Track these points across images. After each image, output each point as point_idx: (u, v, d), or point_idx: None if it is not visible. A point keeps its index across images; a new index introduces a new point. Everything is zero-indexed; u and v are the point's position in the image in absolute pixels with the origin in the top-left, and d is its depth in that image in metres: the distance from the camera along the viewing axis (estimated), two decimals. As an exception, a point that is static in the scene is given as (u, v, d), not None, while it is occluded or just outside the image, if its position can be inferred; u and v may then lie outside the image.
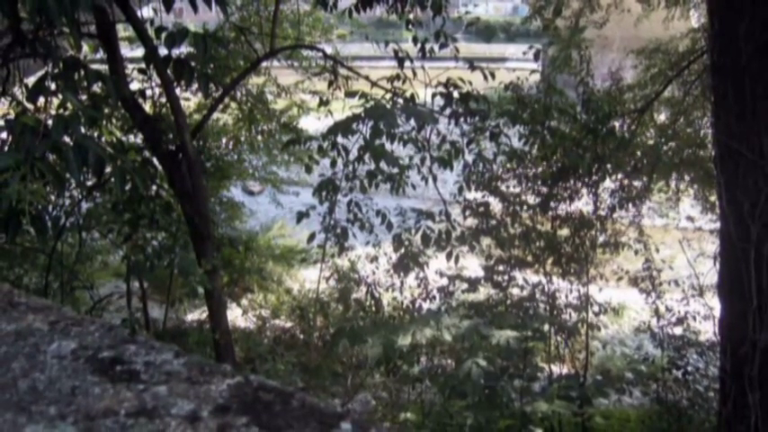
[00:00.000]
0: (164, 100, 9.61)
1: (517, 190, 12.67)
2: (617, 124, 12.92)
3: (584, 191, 12.32)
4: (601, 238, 12.57)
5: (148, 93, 9.88)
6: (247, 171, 19.24)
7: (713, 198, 13.71)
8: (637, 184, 13.22)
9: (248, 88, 15.87)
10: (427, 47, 10.23)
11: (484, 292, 12.59)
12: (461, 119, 9.75)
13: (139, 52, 8.97)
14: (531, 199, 12.54)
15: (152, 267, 8.88)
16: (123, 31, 11.68)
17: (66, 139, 4.58)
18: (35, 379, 1.58)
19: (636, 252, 12.85)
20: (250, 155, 18.37)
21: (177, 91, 9.24)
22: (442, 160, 9.57)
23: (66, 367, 1.64)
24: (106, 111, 9.02)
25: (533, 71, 12.64)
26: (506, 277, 12.41)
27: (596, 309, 12.59)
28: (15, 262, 10.58)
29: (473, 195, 12.38)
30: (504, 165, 12.58)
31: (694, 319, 12.16)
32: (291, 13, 15.70)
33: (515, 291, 12.42)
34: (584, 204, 12.48)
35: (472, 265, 13.07)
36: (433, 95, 9.68)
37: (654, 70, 16.39)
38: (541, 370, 9.16)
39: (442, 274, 12.80)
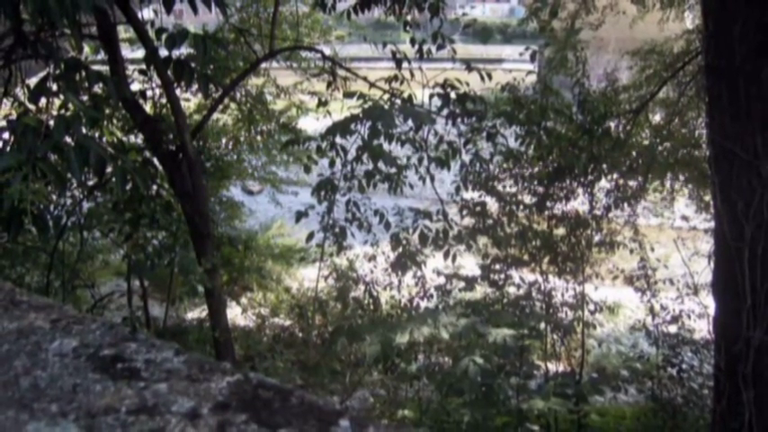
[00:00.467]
0: (164, 101, 9.61)
1: (514, 190, 12.67)
2: (612, 125, 12.93)
3: (580, 190, 12.33)
4: (596, 238, 12.58)
5: (149, 93, 9.87)
6: (247, 171, 19.24)
7: (708, 198, 13.73)
8: (632, 183, 13.23)
9: (248, 89, 15.87)
10: (425, 48, 10.24)
11: (481, 291, 12.62)
12: (458, 119, 9.75)
13: (140, 53, 9.00)
14: (528, 198, 12.55)
15: (152, 266, 8.89)
16: (124, 32, 11.68)
17: (68, 139, 4.58)
18: (37, 377, 1.58)
19: (631, 251, 12.85)
20: (249, 155, 18.37)
21: (177, 92, 9.25)
22: (440, 160, 9.57)
23: (68, 365, 1.64)
24: (107, 111, 9.03)
25: (530, 72, 12.64)
26: (503, 276, 12.42)
27: (592, 307, 12.61)
28: (17, 261, 10.58)
29: (470, 195, 12.39)
30: (500, 165, 12.59)
31: (689, 317, 12.16)
32: (290, 14, 15.71)
33: (512, 289, 12.44)
34: (579, 204, 12.49)
35: (469, 264, 13.07)
36: (431, 96, 9.68)
37: (649, 71, 16.40)
38: (538, 368, 9.15)
39: (439, 273, 12.81)
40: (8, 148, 4.61)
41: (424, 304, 12.73)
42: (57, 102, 5.26)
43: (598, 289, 13.39)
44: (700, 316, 11.86)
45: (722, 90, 5.36)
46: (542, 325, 10.51)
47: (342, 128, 8.25)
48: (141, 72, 8.83)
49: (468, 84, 9.61)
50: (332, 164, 9.26)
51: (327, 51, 13.69)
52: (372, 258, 13.71)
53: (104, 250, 15.88)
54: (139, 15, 8.19)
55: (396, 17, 10.38)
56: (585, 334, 13.18)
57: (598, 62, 17.51)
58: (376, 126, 8.09)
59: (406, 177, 9.83)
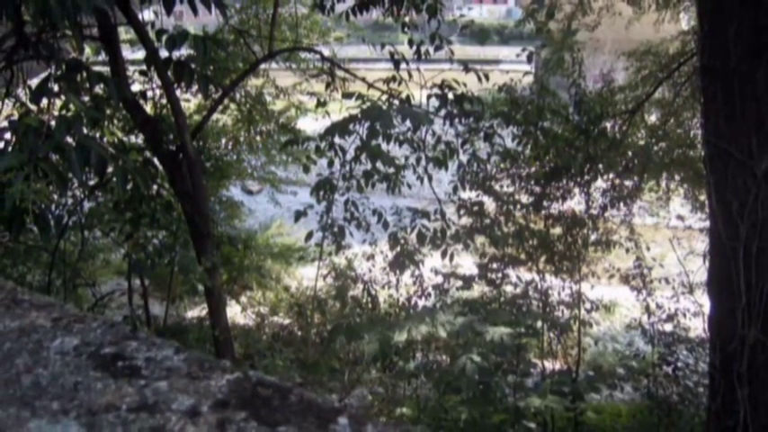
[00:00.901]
0: (164, 101, 9.61)
1: (511, 189, 12.69)
2: (608, 125, 12.95)
3: (577, 190, 12.36)
4: (593, 237, 12.59)
5: (149, 94, 9.89)
6: (246, 171, 19.25)
7: (703, 197, 13.72)
8: (628, 183, 13.25)
9: (247, 90, 15.89)
10: (422, 49, 10.24)
11: (478, 290, 12.62)
12: (456, 120, 9.76)
13: (140, 54, 9.00)
14: (525, 198, 12.57)
15: (153, 265, 8.90)
16: (125, 33, 11.67)
17: (69, 139, 4.58)
18: (38, 375, 1.58)
19: (627, 250, 12.86)
20: (249, 155, 18.37)
21: (177, 92, 9.25)
22: (437, 160, 9.58)
23: (69, 363, 1.64)
24: (108, 112, 9.04)
25: (526, 73, 12.63)
26: (500, 275, 12.43)
27: (588, 306, 12.63)
28: (19, 260, 10.59)
29: (467, 195, 12.39)
30: (497, 165, 12.60)
31: (684, 315, 12.17)
32: (290, 16, 15.72)
33: (509, 288, 12.45)
34: (576, 203, 12.51)
35: (467, 263, 13.08)
36: (429, 97, 9.68)
37: (644, 72, 16.39)
38: (534, 366, 9.18)
39: (437, 272, 12.82)
40: (10, 149, 4.61)
41: (421, 303, 12.73)
42: (58, 102, 5.25)
43: (594, 288, 13.42)
44: (695, 314, 11.87)
45: (717, 91, 5.36)
46: (539, 323, 10.50)
47: (340, 128, 8.25)
48: (142, 73, 8.84)
49: (465, 84, 9.62)
50: (331, 164, 9.25)
51: (326, 52, 13.68)
52: (371, 257, 13.72)
53: (105, 249, 15.88)
54: (140, 17, 8.20)
55: (394, 18, 10.38)
56: (582, 332, 13.18)
57: (594, 63, 17.54)
58: (374, 126, 8.10)
59: (404, 177, 9.84)
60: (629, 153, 13.58)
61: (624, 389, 12.41)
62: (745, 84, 5.03)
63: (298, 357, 14.33)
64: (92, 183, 8.60)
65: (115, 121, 10.75)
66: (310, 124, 16.13)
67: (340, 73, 11.59)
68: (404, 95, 9.64)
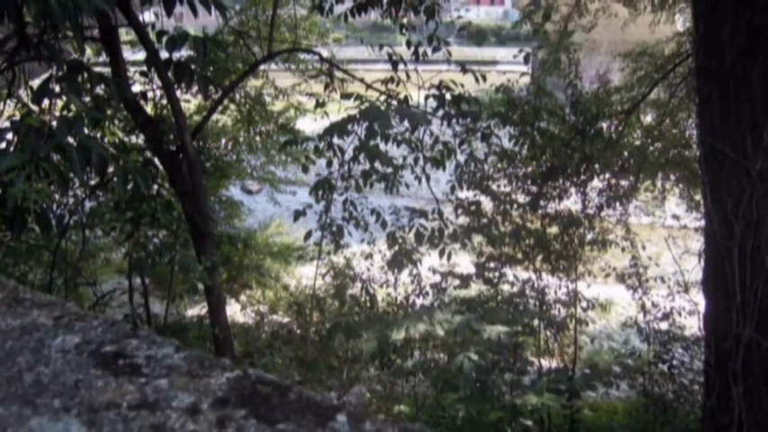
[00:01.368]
0: (164, 102, 9.61)
1: (508, 189, 12.71)
2: (604, 125, 12.94)
3: (573, 190, 12.37)
4: (589, 236, 12.60)
5: (150, 95, 9.89)
6: (246, 171, 19.26)
7: (698, 197, 13.73)
8: (624, 183, 13.25)
9: (247, 90, 15.91)
10: (420, 50, 10.27)
11: (475, 289, 12.62)
12: (453, 120, 9.75)
13: (141, 55, 9.00)
14: (521, 198, 12.59)
15: (153, 264, 8.90)
16: (125, 34, 11.69)
17: (70, 139, 4.58)
18: (40, 372, 1.58)
19: (623, 249, 12.88)
20: (248, 155, 18.38)
21: (178, 93, 9.25)
22: (435, 160, 9.58)
23: (70, 361, 1.64)
24: (109, 112, 9.03)
25: (523, 74, 12.67)
26: (497, 274, 12.43)
27: (584, 304, 12.65)
28: (21, 259, 10.57)
29: (465, 194, 12.41)
30: (494, 165, 12.63)
31: (680, 314, 12.19)
32: (289, 17, 15.70)
33: (506, 287, 12.46)
34: (572, 203, 12.52)
35: (464, 262, 13.08)
36: (426, 97, 9.67)
37: (640, 73, 16.42)
38: (531, 364, 9.18)
39: (434, 271, 12.83)
40: (12, 149, 4.60)
41: (419, 301, 12.76)
42: (59, 103, 5.25)
43: (590, 286, 13.44)
44: (690, 313, 11.88)
45: (712, 91, 5.36)
46: (536, 322, 10.51)
47: (339, 128, 8.24)
48: (142, 74, 8.82)
49: (462, 85, 9.62)
50: (329, 164, 9.24)
51: (325, 53, 13.67)
52: (369, 257, 13.73)
53: (106, 249, 15.87)
54: (140, 18, 8.20)
55: (392, 20, 10.40)
56: (578, 331, 13.22)
57: (590, 64, 17.57)
58: (372, 127, 8.08)
59: (402, 177, 9.84)
60: (625, 153, 13.59)
61: (620, 387, 12.44)
62: (740, 84, 5.03)
63: (297, 355, 14.35)
64: (93, 182, 8.61)
65: (116, 122, 10.75)
66: (309, 125, 16.15)
67: (339, 74, 11.59)
68: (402, 96, 9.64)
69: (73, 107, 5.02)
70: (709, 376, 5.97)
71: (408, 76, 9.93)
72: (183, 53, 6.99)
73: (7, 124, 5.18)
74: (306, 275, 19.00)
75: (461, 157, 10.74)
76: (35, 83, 5.82)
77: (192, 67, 6.51)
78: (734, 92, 5.09)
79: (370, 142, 8.25)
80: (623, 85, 16.42)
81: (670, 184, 15.71)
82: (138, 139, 10.43)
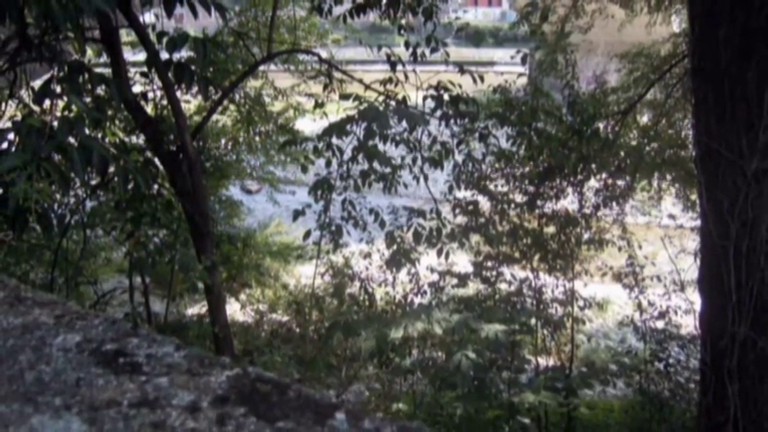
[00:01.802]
0: (165, 102, 9.61)
1: (505, 189, 12.70)
2: (601, 126, 12.95)
3: (570, 190, 12.37)
4: (586, 236, 12.60)
5: (150, 95, 9.87)
6: (245, 171, 19.29)
7: (694, 197, 13.73)
8: (620, 183, 13.26)
9: (246, 91, 15.91)
10: (419, 51, 10.26)
11: (473, 288, 12.63)
12: (451, 120, 9.75)
13: (141, 56, 8.98)
14: (519, 197, 12.58)
15: (154, 263, 8.87)
16: (126, 35, 11.68)
17: (71, 139, 4.58)
18: (41, 371, 1.58)
19: (619, 249, 12.88)
20: (248, 155, 18.41)
21: (178, 94, 9.25)
22: (433, 160, 9.58)
23: (71, 359, 1.64)
24: (109, 113, 9.03)
25: (521, 74, 12.65)
26: (495, 273, 12.45)
27: (581, 303, 12.65)
28: (22, 258, 10.56)
29: (463, 194, 12.40)
30: (492, 165, 12.62)
31: (676, 313, 12.20)
32: (288, 18, 15.69)
33: (503, 286, 12.47)
34: (569, 203, 12.51)
35: (462, 262, 13.08)
36: (425, 98, 9.67)
37: (637, 74, 16.41)
38: (528, 362, 9.20)
39: (432, 270, 12.84)
40: (13, 149, 4.60)
41: (417, 300, 12.75)
42: (60, 103, 5.25)
43: (587, 285, 13.44)
44: (686, 312, 11.89)
45: (708, 92, 5.36)
46: (533, 321, 10.52)
47: (338, 129, 8.24)
48: (143, 74, 8.80)
49: (460, 86, 9.61)
50: (328, 164, 9.24)
51: (324, 54, 13.68)
52: (368, 256, 13.74)
53: (107, 248, 15.87)
54: (141, 19, 8.19)
55: (390, 21, 10.39)
56: (575, 329, 13.21)
57: (587, 65, 17.57)
58: (371, 127, 8.08)
59: (401, 177, 9.84)
60: (622, 153, 13.60)
61: (617, 385, 12.43)
62: (736, 85, 5.03)
63: (296, 354, 14.33)
64: (93, 182, 8.59)
65: (116, 122, 10.74)
66: (308, 125, 16.15)
67: (337, 74, 11.59)
68: (400, 97, 9.64)
69: (74, 107, 5.02)
70: (704, 374, 5.97)
71: (407, 77, 9.93)
72: (184, 54, 6.99)
73: (9, 124, 5.18)
74: (305, 274, 19.02)
75: (459, 158, 10.74)
76: (36, 83, 5.81)
77: (192, 67, 6.51)
78: (729, 92, 5.10)
79: (369, 142, 8.25)
80: (620, 85, 16.43)
81: (666, 183, 15.72)
82: (139, 140, 10.43)
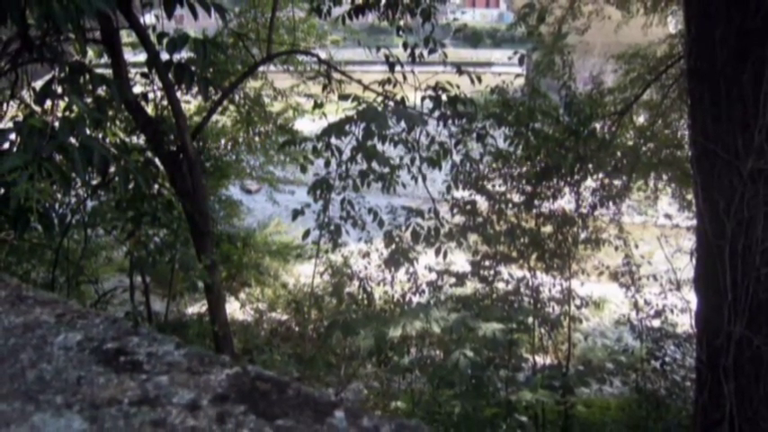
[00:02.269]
0: (165, 103, 9.61)
1: (503, 189, 12.72)
2: (598, 126, 12.96)
3: (567, 189, 12.39)
4: (582, 235, 12.61)
5: (150, 96, 9.87)
6: (245, 171, 19.31)
7: (690, 196, 13.73)
8: (617, 183, 13.27)
9: (246, 91, 15.91)
10: (417, 52, 10.26)
11: (471, 287, 12.66)
12: (449, 121, 9.74)
13: (142, 57, 8.96)
14: (516, 197, 12.59)
15: (154, 263, 8.88)
16: (126, 37, 11.66)
17: (72, 140, 4.58)
18: (42, 369, 1.58)
19: (616, 248, 12.91)
20: (248, 155, 18.42)
21: (178, 94, 9.25)
22: (431, 160, 9.58)
23: (72, 358, 1.64)
24: (110, 113, 9.04)
25: (518, 75, 12.69)
26: (492, 272, 12.47)
27: (578, 302, 12.67)
28: (23, 257, 10.56)
29: (461, 194, 12.42)
30: (490, 165, 12.64)
31: (672, 312, 12.21)
32: (287, 19, 15.68)
33: (501, 285, 12.49)
34: (566, 202, 12.53)
35: (460, 261, 13.10)
36: (423, 98, 9.67)
37: (633, 74, 16.41)
38: (526, 361, 9.17)
39: (430, 269, 12.86)
40: (15, 149, 4.60)
41: (416, 299, 12.77)
42: (61, 104, 5.25)
43: (584, 284, 13.45)
44: (682, 311, 11.90)
45: (704, 92, 5.36)
46: (530, 319, 10.52)
47: (337, 129, 8.24)
48: (143, 75, 8.80)
49: (458, 86, 9.61)
50: (327, 164, 9.24)
51: (323, 55, 13.69)
52: (366, 255, 13.75)
53: (108, 247, 15.87)
54: (141, 20, 8.19)
55: (389, 22, 10.39)
56: (572, 328, 13.22)
57: (584, 66, 17.61)
58: (370, 127, 8.08)
59: (399, 177, 9.84)
60: (618, 153, 13.61)
61: (613, 383, 12.46)
62: (731, 86, 5.03)
63: (295, 352, 14.34)
64: (94, 182, 8.59)
65: (117, 123, 10.75)
66: (307, 125, 16.16)
67: (336, 75, 11.59)
68: (399, 97, 9.64)
69: (75, 108, 5.02)
70: (700, 373, 5.97)
71: (405, 78, 9.93)
72: (184, 55, 6.98)
73: (10, 125, 5.18)
74: (304, 274, 19.00)
75: (457, 158, 10.75)
76: (38, 84, 5.82)
77: (192, 68, 6.51)
78: (725, 93, 5.10)
79: (368, 142, 8.25)
80: (616, 86, 16.43)
81: (662, 183, 15.72)
82: (139, 140, 10.42)
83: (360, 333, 7.13)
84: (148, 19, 8.93)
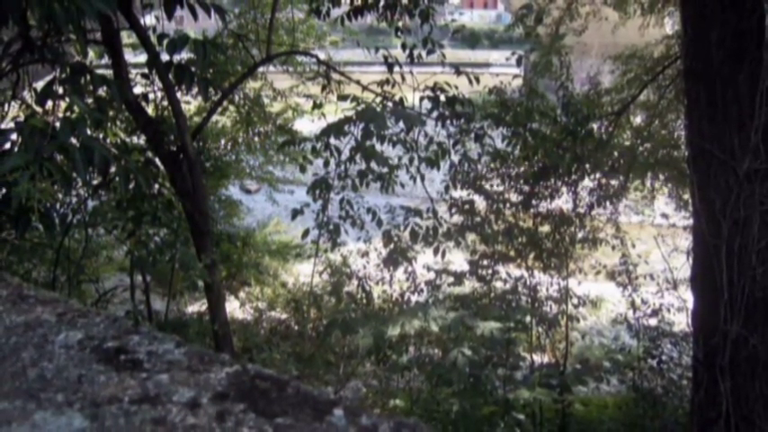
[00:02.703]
0: (165, 103, 9.59)
1: (500, 188, 12.71)
2: (595, 126, 12.94)
3: (564, 189, 12.37)
4: (580, 235, 12.61)
5: (151, 96, 9.85)
6: (245, 171, 19.31)
7: (686, 196, 13.74)
8: (614, 182, 13.26)
9: (246, 92, 15.89)
10: (415, 53, 10.25)
11: (469, 286, 12.65)
12: (448, 121, 9.74)
13: (142, 58, 8.95)
14: (514, 197, 12.59)
15: (154, 262, 8.87)
16: (127, 37, 11.63)
17: (73, 140, 4.57)
18: (43, 368, 1.58)
19: (613, 247, 12.90)
20: (247, 155, 18.42)
21: (178, 95, 9.23)
22: (430, 160, 9.57)
23: (73, 357, 1.64)
24: (111, 113, 9.01)
25: (516, 76, 12.69)
26: (490, 271, 12.46)
27: (575, 301, 12.66)
28: (25, 257, 10.54)
29: (459, 194, 12.42)
30: (488, 165, 12.63)
31: (668, 311, 12.21)
32: (287, 20, 15.67)
33: (499, 284, 12.48)
34: (564, 202, 12.53)
35: (458, 260, 13.09)
36: (421, 99, 9.66)
37: (630, 75, 16.41)
38: (523, 359, 9.18)
39: (429, 269, 12.84)
40: (16, 149, 4.60)
41: (414, 298, 12.76)
42: (62, 104, 5.24)
43: (581, 284, 13.43)
44: (679, 310, 11.90)
45: (700, 93, 5.37)
46: (528, 318, 10.53)
47: (336, 129, 8.24)
48: (143, 76, 8.79)
49: (456, 87, 9.60)
50: (326, 164, 9.25)
51: (322, 56, 13.71)
52: (365, 254, 13.76)
53: (108, 247, 15.84)
54: (142, 21, 8.18)
55: (388, 23, 10.38)
56: (569, 327, 13.22)
57: (581, 66, 17.59)
58: (369, 127, 8.09)
59: (398, 177, 9.83)
60: (616, 153, 13.61)
61: (610, 382, 12.41)
62: (727, 86, 5.05)
63: (294, 351, 14.34)
64: (95, 182, 8.57)
65: (118, 123, 10.72)
66: (307, 125, 16.14)
67: (335, 76, 11.58)
68: (397, 98, 9.63)
69: (76, 108, 5.02)
70: (697, 371, 5.98)
71: (403, 78, 9.92)
72: (184, 56, 6.97)
73: (12, 125, 5.18)
74: (303, 273, 18.98)
75: (455, 158, 10.74)
76: (39, 85, 5.81)
77: (193, 69, 6.50)
78: (721, 93, 5.11)
79: (367, 143, 8.25)
80: (613, 86, 16.41)
81: (659, 183, 15.73)
82: (140, 140, 10.41)
83: (359, 332, 7.14)
84: (149, 20, 8.91)
